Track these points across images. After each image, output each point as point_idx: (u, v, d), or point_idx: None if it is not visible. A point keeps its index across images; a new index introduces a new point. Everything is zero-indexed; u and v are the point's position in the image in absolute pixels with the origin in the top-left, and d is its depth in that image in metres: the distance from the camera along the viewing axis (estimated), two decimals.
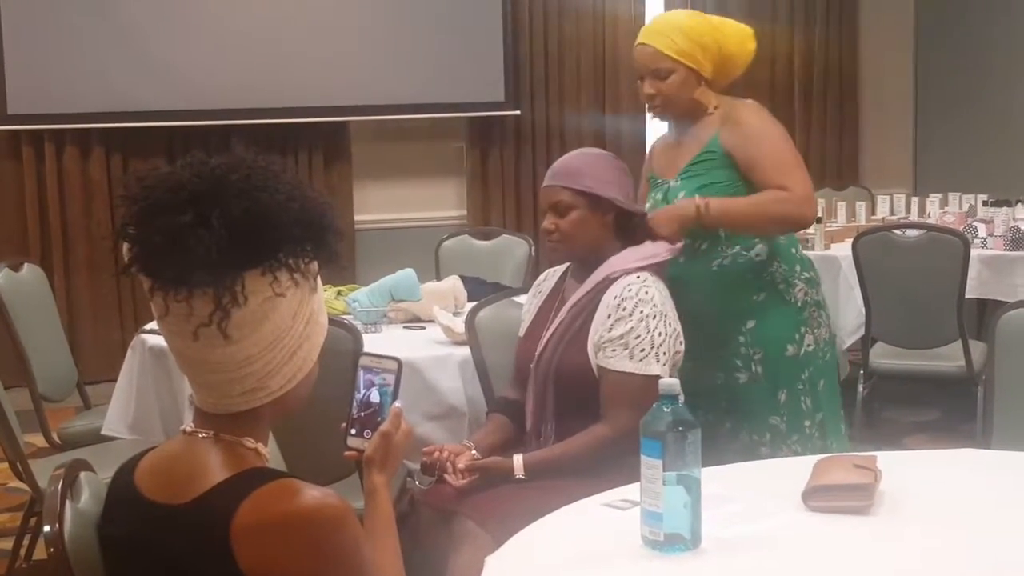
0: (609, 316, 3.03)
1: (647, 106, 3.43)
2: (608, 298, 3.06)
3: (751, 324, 3.31)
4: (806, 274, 3.40)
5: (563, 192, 3.12)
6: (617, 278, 3.08)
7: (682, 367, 3.08)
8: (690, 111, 3.36)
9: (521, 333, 3.30)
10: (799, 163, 3.28)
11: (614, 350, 3.00)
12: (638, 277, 3.07)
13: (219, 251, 1.61)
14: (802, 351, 3.32)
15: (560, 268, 3.33)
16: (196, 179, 1.67)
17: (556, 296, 3.26)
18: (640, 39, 3.37)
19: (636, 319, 3.00)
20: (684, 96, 3.32)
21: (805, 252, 3.51)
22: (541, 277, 3.40)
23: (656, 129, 3.75)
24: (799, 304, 3.33)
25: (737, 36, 3.37)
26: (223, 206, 1.64)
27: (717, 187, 3.28)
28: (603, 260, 3.14)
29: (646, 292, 3.03)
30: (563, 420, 3.06)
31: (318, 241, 1.73)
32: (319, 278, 1.79)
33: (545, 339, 3.14)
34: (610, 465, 2.76)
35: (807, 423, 3.33)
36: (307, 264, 1.72)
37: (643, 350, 2.98)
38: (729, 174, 3.29)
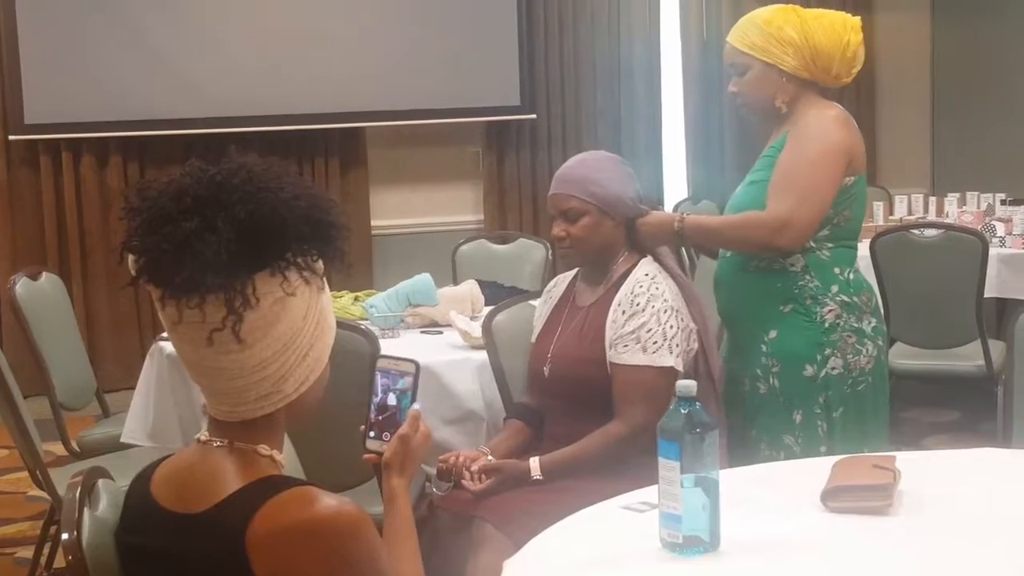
0: (624, 313, 3.03)
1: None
2: (620, 296, 3.07)
3: (773, 334, 3.16)
4: (845, 297, 3.16)
5: (572, 199, 3.12)
6: (627, 277, 3.10)
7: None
8: (769, 107, 3.24)
9: (533, 339, 3.31)
10: (802, 192, 3.09)
11: (626, 345, 3.01)
12: (647, 275, 3.08)
13: (228, 254, 1.62)
14: (822, 373, 3.13)
15: (570, 274, 3.34)
16: (198, 186, 1.67)
17: (567, 301, 3.26)
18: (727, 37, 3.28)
19: (648, 314, 3.01)
20: (764, 93, 3.21)
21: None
22: (551, 283, 3.40)
23: (672, 136, 3.71)
24: (826, 325, 3.13)
25: (830, 27, 3.21)
26: (228, 209, 1.64)
27: (764, 185, 3.16)
28: (614, 263, 3.16)
29: (656, 288, 3.05)
30: (579, 422, 3.05)
31: (325, 238, 1.72)
32: (325, 278, 1.79)
33: (558, 342, 3.15)
34: (628, 465, 2.76)
35: (823, 448, 3.11)
36: (315, 262, 1.72)
37: (655, 342, 2.99)
38: None
